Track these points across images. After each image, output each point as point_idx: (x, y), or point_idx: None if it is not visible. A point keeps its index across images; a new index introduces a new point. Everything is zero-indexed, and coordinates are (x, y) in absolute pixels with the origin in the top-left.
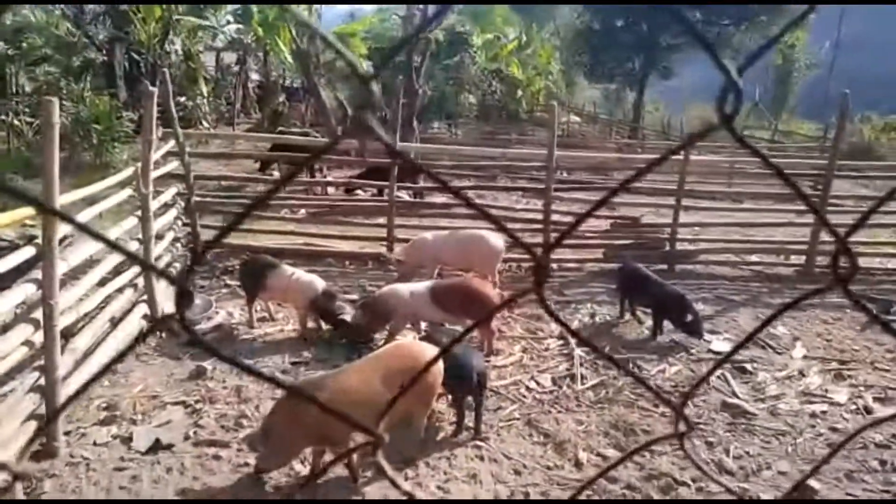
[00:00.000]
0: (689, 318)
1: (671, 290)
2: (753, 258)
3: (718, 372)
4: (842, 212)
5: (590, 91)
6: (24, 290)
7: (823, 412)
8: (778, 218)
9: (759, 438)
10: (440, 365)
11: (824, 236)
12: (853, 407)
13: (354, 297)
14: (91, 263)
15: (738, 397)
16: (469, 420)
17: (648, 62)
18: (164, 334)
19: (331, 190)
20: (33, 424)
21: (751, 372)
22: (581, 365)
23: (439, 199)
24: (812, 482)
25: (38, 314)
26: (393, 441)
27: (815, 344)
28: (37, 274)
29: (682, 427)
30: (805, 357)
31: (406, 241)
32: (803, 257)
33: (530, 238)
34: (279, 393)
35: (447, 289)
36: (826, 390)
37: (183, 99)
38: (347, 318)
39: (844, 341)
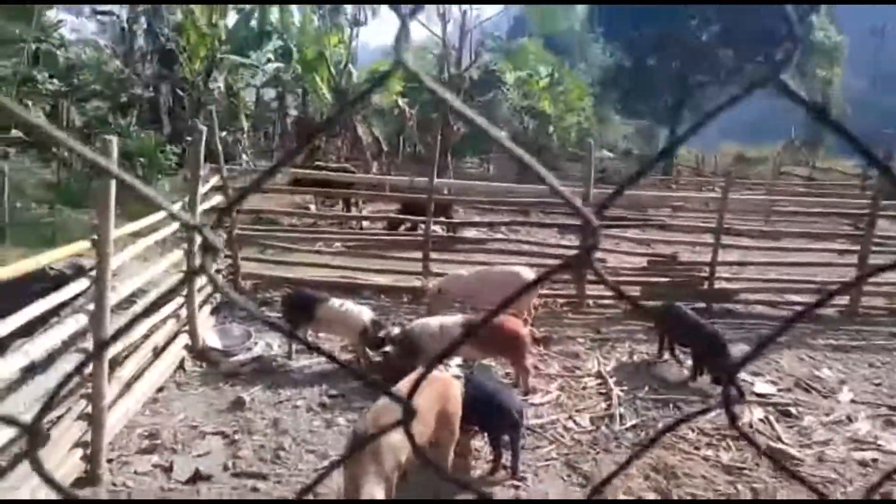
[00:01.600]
0: (723, 359)
1: (710, 331)
2: (796, 298)
3: (762, 415)
4: (886, 251)
5: (622, 127)
6: (77, 321)
7: (874, 460)
8: (819, 257)
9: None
10: (458, 393)
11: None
12: None
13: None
14: (137, 294)
15: (783, 442)
16: (506, 459)
17: (679, 99)
18: (204, 364)
19: (366, 224)
20: (80, 452)
21: (796, 416)
22: (620, 405)
23: (472, 233)
24: None
25: (88, 343)
26: (429, 483)
27: (863, 388)
28: (87, 304)
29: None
30: (853, 401)
31: (441, 275)
32: (847, 298)
33: (565, 275)
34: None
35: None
36: (876, 437)
37: (224, 134)
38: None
39: (894, 386)
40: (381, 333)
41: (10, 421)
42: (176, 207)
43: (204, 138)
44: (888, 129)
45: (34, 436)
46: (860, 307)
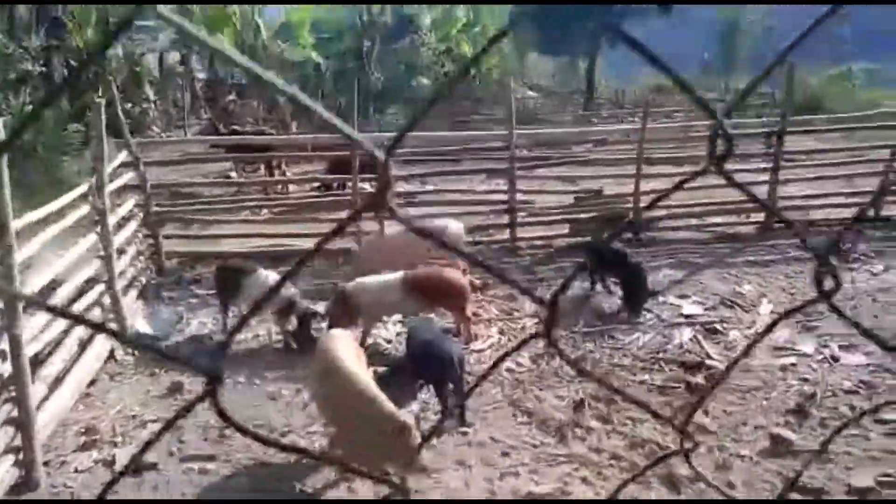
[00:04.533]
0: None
1: (630, 261)
2: (717, 220)
3: (691, 334)
4: (798, 166)
5: (544, 64)
6: None
7: (793, 364)
8: (737, 178)
9: (735, 396)
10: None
11: (782, 192)
12: (820, 357)
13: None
14: (53, 285)
15: (711, 358)
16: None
17: (598, 31)
18: (136, 352)
19: (292, 187)
20: (11, 458)
21: (722, 332)
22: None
23: (405, 188)
24: (787, 433)
25: (4, 345)
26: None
27: (780, 299)
28: None
29: (687, 444)
30: (772, 312)
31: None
32: (762, 215)
33: (497, 219)
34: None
35: (420, 278)
36: (793, 343)
37: (129, 106)
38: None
39: (808, 294)
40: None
41: None
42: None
43: (102, 111)
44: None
45: None
46: (774, 222)
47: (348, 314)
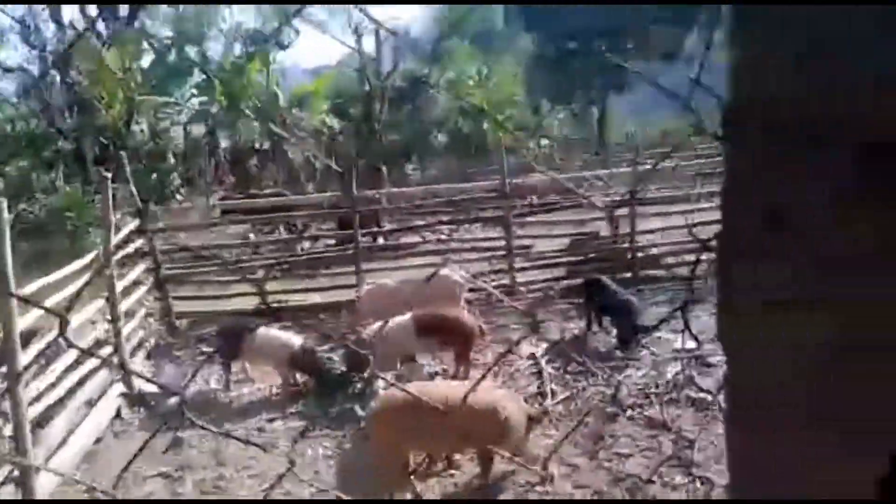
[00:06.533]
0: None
1: (621, 298)
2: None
3: (683, 368)
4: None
5: (556, 113)
6: None
7: None
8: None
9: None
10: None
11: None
12: None
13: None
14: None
15: (703, 391)
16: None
17: (605, 80)
18: (142, 409)
19: (307, 245)
20: None
21: (715, 365)
22: (551, 382)
23: (415, 239)
24: None
25: (6, 406)
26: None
27: None
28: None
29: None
30: None
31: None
32: None
33: (497, 265)
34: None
35: (432, 319)
36: None
37: (155, 176)
38: (332, 366)
39: None
40: (314, 357)
41: None
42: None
43: (109, 185)
44: None
45: None
46: None
47: (362, 361)
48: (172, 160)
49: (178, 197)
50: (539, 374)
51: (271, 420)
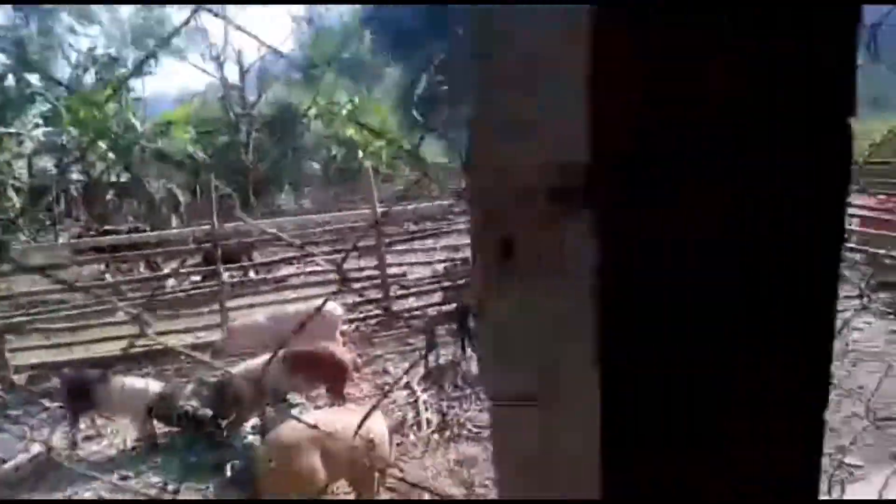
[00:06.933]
0: None
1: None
2: None
3: None
4: None
5: (436, 142)
6: None
7: None
8: None
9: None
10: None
11: None
12: None
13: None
14: None
15: None
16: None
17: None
18: None
19: (171, 282)
20: None
21: None
22: (426, 410)
23: (290, 270)
24: None
25: None
26: None
27: None
28: None
29: None
30: None
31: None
32: None
33: (374, 294)
34: None
35: (303, 355)
36: None
37: None
38: (193, 411)
39: None
40: (174, 404)
41: None
42: None
43: None
44: None
45: None
46: None
47: (234, 401)
48: (15, 197)
49: (22, 237)
50: (415, 403)
51: (125, 478)
